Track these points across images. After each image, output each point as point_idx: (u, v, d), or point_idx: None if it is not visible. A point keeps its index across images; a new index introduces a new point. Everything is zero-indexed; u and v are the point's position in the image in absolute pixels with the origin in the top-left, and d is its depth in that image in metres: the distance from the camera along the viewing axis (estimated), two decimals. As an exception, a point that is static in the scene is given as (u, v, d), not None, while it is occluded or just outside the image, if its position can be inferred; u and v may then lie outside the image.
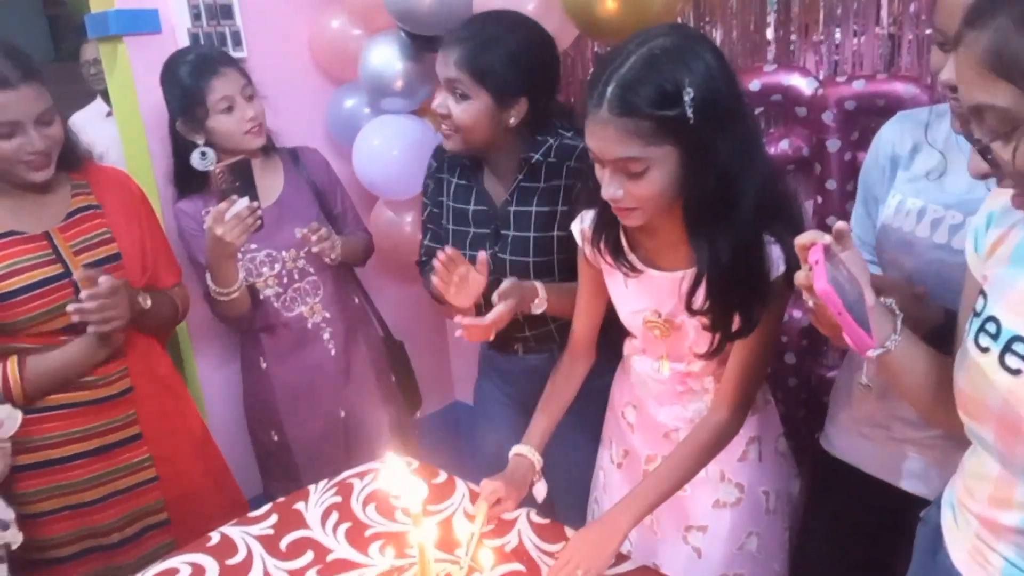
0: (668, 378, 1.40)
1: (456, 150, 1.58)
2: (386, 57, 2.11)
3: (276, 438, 1.99)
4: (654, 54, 1.08)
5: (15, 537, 1.46)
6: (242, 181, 1.68)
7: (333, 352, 1.95)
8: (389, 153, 2.17)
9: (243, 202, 1.67)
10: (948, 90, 1.05)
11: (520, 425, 1.78)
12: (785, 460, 1.48)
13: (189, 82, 1.78)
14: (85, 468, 1.62)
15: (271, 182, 1.93)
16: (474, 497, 1.51)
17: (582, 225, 1.39)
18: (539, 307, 1.50)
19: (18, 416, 1.49)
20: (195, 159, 1.82)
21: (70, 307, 1.48)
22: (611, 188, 1.16)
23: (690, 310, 1.25)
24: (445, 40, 1.53)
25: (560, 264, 1.60)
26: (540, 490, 1.44)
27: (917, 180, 1.27)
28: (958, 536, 0.95)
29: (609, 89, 1.09)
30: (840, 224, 0.94)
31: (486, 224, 1.65)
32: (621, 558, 1.32)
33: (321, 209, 1.96)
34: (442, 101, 1.53)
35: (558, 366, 1.53)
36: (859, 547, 1.42)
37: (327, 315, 1.93)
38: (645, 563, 1.33)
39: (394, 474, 1.19)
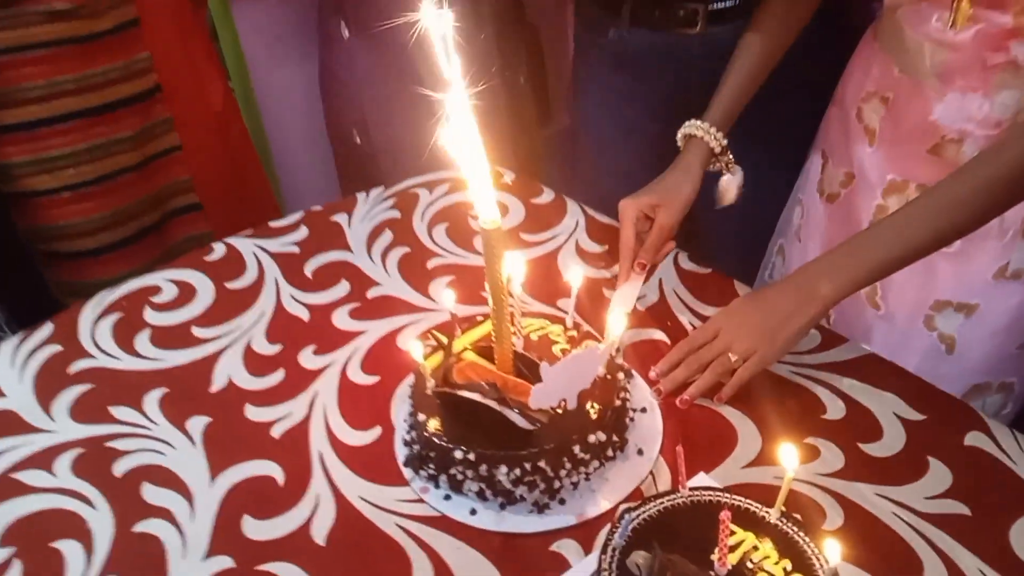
0: (968, 39, 0.77)
1: None
2: None
3: (358, 139, 1.47)
4: None
5: None
6: None
7: None
8: None
9: None
10: None
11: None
12: None
13: None
14: (83, 133, 1.22)
15: None
16: (593, 228, 1.00)
17: None
18: None
19: None
20: None
21: None
22: None
23: None
24: None
25: None
26: (729, 187, 0.90)
27: None
28: None
29: None
30: None
31: None
32: (834, 338, 0.80)
33: None
34: None
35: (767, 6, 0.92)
36: None
37: None
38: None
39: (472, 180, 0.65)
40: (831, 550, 0.49)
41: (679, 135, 0.91)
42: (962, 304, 0.86)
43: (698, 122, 0.89)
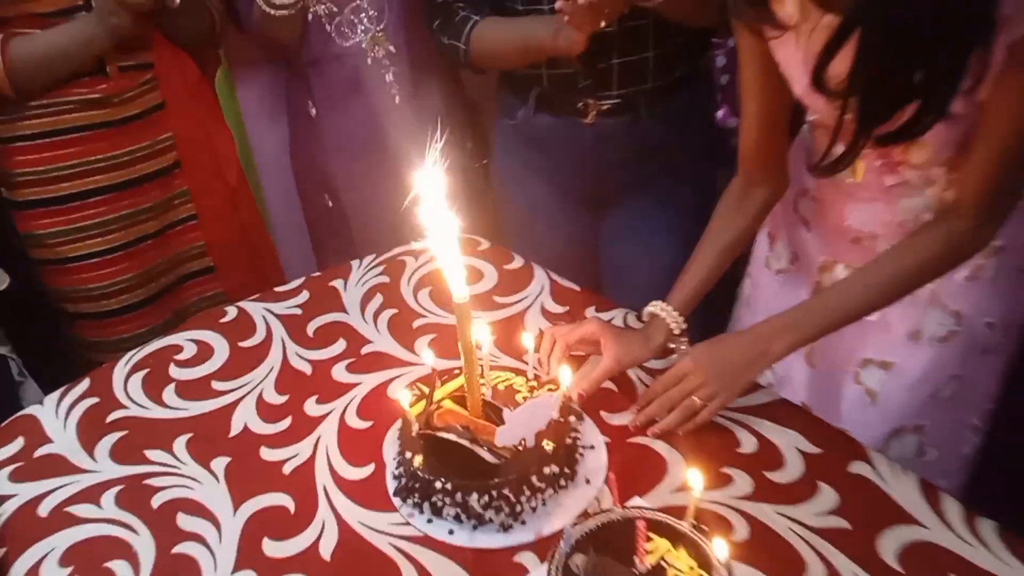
0: (866, 175, 0.94)
1: None
2: None
3: (330, 203, 1.65)
4: None
5: (1, 278, 1.27)
6: None
7: (397, 100, 1.52)
8: None
9: None
10: None
11: (588, 231, 1.38)
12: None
13: None
14: (111, 206, 1.38)
15: None
16: (557, 291, 1.16)
17: None
18: None
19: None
20: None
21: None
22: None
23: (819, 86, 0.77)
24: None
25: None
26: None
27: None
28: None
29: None
30: None
31: None
32: (754, 386, 0.96)
33: None
34: None
35: (724, 193, 1.05)
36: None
37: (392, 49, 1.49)
38: (786, 396, 0.97)
39: (445, 251, 0.82)
40: (719, 549, 0.65)
41: (644, 311, 1.00)
42: (883, 362, 1.03)
43: (661, 303, 0.99)
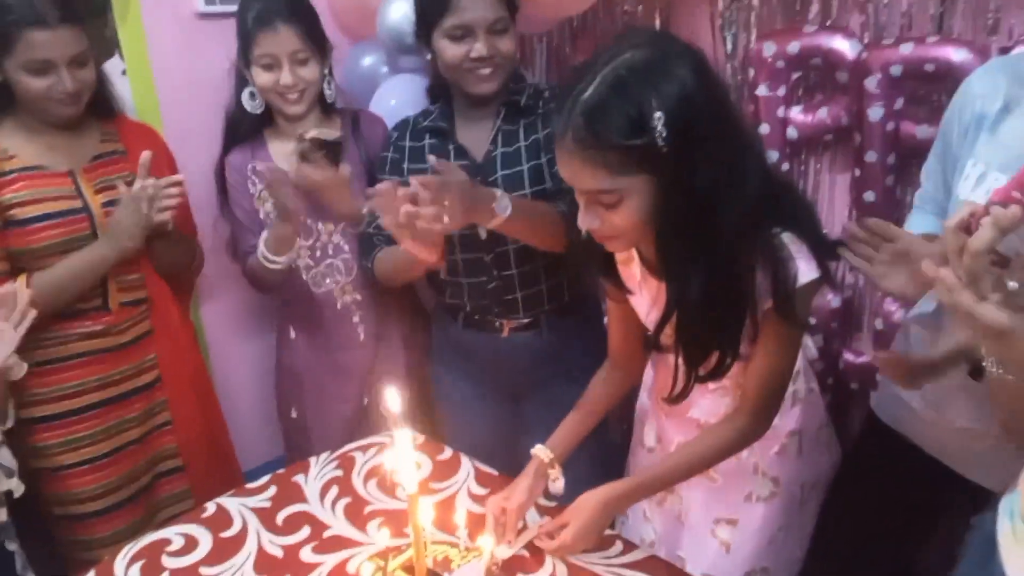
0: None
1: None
2: (404, 12, 2.01)
3: (295, 415, 1.92)
4: (619, 75, 0.97)
5: (18, 487, 1.43)
6: (328, 158, 1.66)
7: (362, 337, 1.85)
8: (406, 114, 2.07)
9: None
10: None
11: (508, 419, 1.71)
12: (827, 449, 1.42)
13: (244, 26, 1.69)
14: (101, 418, 1.61)
15: None
16: (480, 476, 1.45)
17: None
18: (503, 208, 1.33)
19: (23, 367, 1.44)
20: (245, 97, 1.74)
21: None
22: (587, 219, 1.08)
23: (656, 347, 1.18)
24: None
25: (555, 195, 1.50)
26: (555, 486, 1.32)
27: (1006, 149, 1.06)
28: (1016, 551, 0.84)
29: (571, 117, 0.98)
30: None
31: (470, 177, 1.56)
32: (630, 546, 1.26)
33: (369, 184, 1.86)
34: None
35: (598, 372, 1.42)
36: (894, 523, 1.35)
37: (358, 297, 1.81)
38: (661, 553, 1.26)
39: (395, 448, 1.12)
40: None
41: (531, 451, 1.31)
42: (730, 519, 1.36)
43: (540, 446, 1.30)
